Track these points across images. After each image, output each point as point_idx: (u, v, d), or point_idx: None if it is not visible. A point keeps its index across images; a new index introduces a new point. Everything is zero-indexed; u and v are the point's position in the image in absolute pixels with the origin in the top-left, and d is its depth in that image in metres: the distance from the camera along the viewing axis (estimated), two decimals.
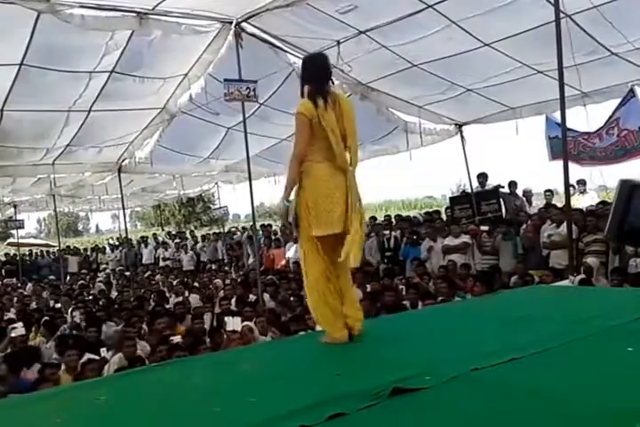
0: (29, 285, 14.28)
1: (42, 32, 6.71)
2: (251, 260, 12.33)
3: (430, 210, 12.59)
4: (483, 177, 10.25)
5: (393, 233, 10.18)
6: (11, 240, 24.08)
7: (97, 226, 53.37)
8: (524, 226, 8.32)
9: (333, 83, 3.49)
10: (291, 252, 11.53)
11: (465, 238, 8.81)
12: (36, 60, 7.32)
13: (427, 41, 7.26)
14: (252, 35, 7.76)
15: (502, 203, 9.76)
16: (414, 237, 9.67)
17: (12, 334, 7.24)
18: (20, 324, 7.78)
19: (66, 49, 7.31)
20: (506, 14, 6.40)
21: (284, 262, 11.63)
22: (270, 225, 14.80)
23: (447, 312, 4.45)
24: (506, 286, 6.90)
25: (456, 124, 10.29)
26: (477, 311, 4.18)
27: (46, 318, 8.25)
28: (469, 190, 10.64)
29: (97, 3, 6.45)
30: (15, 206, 16.96)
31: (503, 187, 10.01)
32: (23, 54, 7.12)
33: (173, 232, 19.92)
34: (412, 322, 4.12)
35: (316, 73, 3.39)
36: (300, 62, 8.12)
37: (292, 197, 3.34)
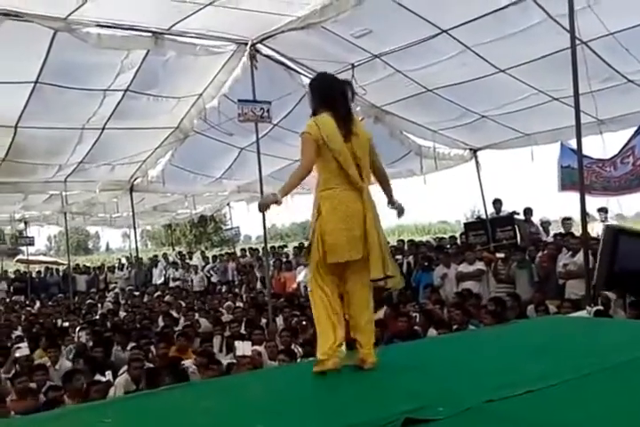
0: (38, 303, 14.29)
1: (57, 50, 6.89)
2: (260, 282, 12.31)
3: (444, 235, 12.52)
4: (498, 203, 10.24)
5: (405, 259, 10.14)
6: (20, 257, 24.20)
7: (107, 244, 53.40)
8: (540, 254, 8.25)
9: (350, 106, 3.45)
10: (301, 275, 11.48)
11: (479, 265, 8.74)
12: (51, 77, 7.49)
13: (441, 66, 7.33)
14: (267, 56, 7.90)
15: (517, 230, 9.72)
16: (427, 262, 9.62)
17: (17, 354, 7.23)
18: (24, 344, 7.75)
19: (81, 67, 7.49)
20: (521, 40, 6.45)
21: (295, 286, 11.59)
22: (282, 247, 14.78)
23: (461, 341, 4.42)
24: (521, 316, 6.83)
25: (471, 149, 10.34)
26: (492, 341, 4.14)
27: (53, 337, 8.24)
28: (484, 216, 10.61)
29: (113, 22, 6.59)
30: (26, 222, 17.09)
31: (518, 213, 9.99)
32: (38, 72, 7.30)
33: (184, 252, 19.95)
34: (425, 350, 4.08)
35: (330, 94, 3.38)
36: None
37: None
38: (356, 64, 7.52)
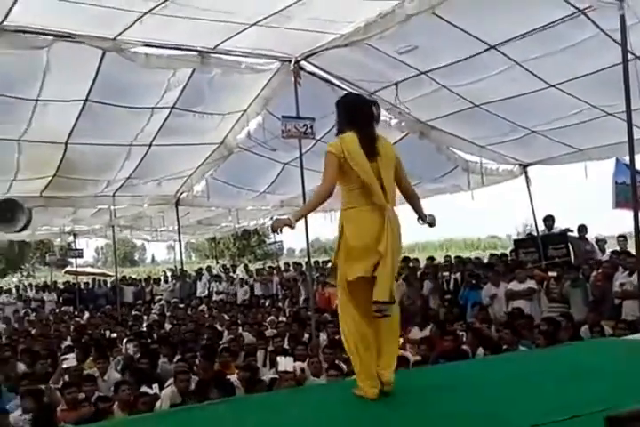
0: (86, 314, 14.72)
1: (106, 69, 7.16)
2: (304, 297, 12.36)
3: (496, 252, 12.34)
4: (550, 220, 10.07)
5: (453, 275, 10.04)
6: (69, 268, 24.92)
7: (153, 256, 54.23)
8: (595, 273, 8.06)
9: (376, 125, 3.50)
10: None
11: (531, 284, 8.55)
12: (101, 96, 7.78)
13: (489, 81, 7.28)
14: (311, 73, 8.02)
15: (571, 247, 9.53)
16: (475, 280, 9.50)
17: (64, 365, 7.44)
18: (71, 355, 7.98)
19: (129, 85, 7.76)
20: (572, 55, 6.38)
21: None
22: (326, 262, 14.81)
23: (510, 362, 4.38)
24: (575, 337, 6.68)
25: (520, 165, 10.18)
26: (542, 363, 4.09)
27: (102, 348, 8.45)
28: (535, 233, 10.44)
29: (160, 42, 6.80)
30: (75, 235, 17.66)
31: (572, 231, 9.80)
32: (88, 90, 7.60)
33: (227, 265, 20.21)
34: (472, 371, 4.06)
35: (356, 114, 3.44)
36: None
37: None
38: (399, 80, 7.54)
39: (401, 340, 8.09)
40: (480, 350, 6.62)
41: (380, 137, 3.49)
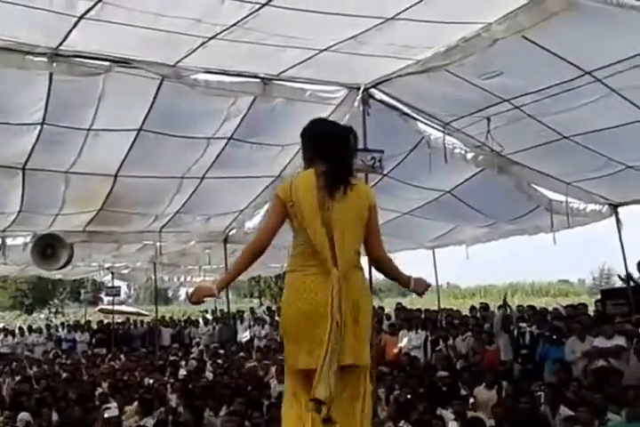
0: (122, 357, 14.68)
1: (164, 97, 7.17)
2: None
3: (570, 301, 11.97)
4: None
5: (528, 328, 9.65)
6: (102, 306, 25.17)
7: (187, 294, 54.72)
8: None
9: (352, 164, 3.05)
10: (405, 340, 11.17)
11: (619, 341, 8.17)
12: (156, 125, 7.80)
13: (581, 111, 6.98)
14: (381, 101, 7.87)
15: None
16: (555, 335, 9.12)
17: (106, 415, 7.36)
18: (113, 404, 7.93)
19: (186, 115, 7.75)
20: None
21: (396, 351, 11.24)
22: (382, 308, 14.49)
23: None
24: None
25: (610, 205, 9.77)
26: None
27: (142, 396, 8.36)
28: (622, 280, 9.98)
29: (221, 68, 6.83)
30: (112, 273, 17.78)
31: None
32: (143, 119, 7.62)
33: (273, 307, 20.02)
34: None
35: (323, 145, 2.99)
36: (432, 132, 8.22)
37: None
38: (492, 115, 7.30)
39: (471, 400, 7.86)
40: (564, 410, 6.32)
41: (355, 178, 2.99)
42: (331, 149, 2.95)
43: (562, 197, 9.37)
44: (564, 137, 7.68)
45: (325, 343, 2.66)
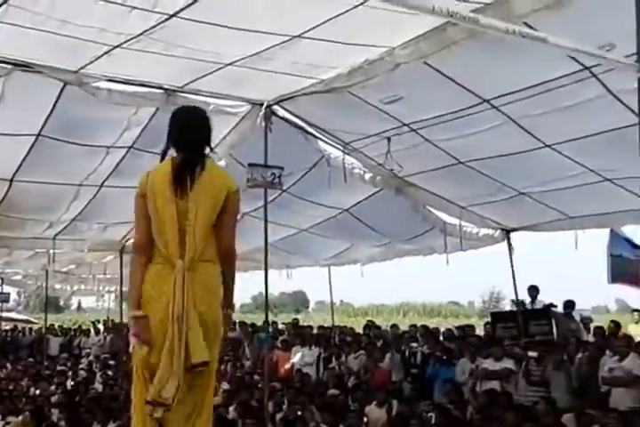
0: (8, 366, 14.20)
1: (64, 104, 6.96)
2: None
3: (460, 322, 12.37)
4: (534, 290, 9.97)
5: (420, 348, 9.79)
6: None
7: (79, 303, 53.48)
8: (580, 355, 7.89)
9: (208, 149, 3.08)
10: (297, 357, 11.16)
11: (508, 364, 8.33)
12: (55, 131, 7.57)
13: (478, 137, 7.19)
14: (283, 118, 7.88)
15: (554, 325, 9.34)
16: (446, 355, 9.31)
17: None
18: None
19: (87, 122, 7.54)
20: (573, 115, 6.27)
21: (288, 367, 11.19)
22: (275, 322, 14.42)
23: None
24: (557, 425, 6.44)
25: (503, 230, 10.07)
26: None
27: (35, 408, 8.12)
28: (515, 305, 10.30)
29: (125, 77, 6.68)
30: (2, 279, 17.14)
31: (556, 306, 9.65)
32: (42, 124, 7.37)
33: None
34: None
35: (174, 131, 3.03)
36: (332, 151, 8.29)
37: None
38: (392, 136, 7.40)
39: (365, 419, 7.88)
40: None
41: (211, 165, 3.00)
42: (185, 137, 2.99)
43: (456, 221, 9.62)
44: (460, 162, 7.89)
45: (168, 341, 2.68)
